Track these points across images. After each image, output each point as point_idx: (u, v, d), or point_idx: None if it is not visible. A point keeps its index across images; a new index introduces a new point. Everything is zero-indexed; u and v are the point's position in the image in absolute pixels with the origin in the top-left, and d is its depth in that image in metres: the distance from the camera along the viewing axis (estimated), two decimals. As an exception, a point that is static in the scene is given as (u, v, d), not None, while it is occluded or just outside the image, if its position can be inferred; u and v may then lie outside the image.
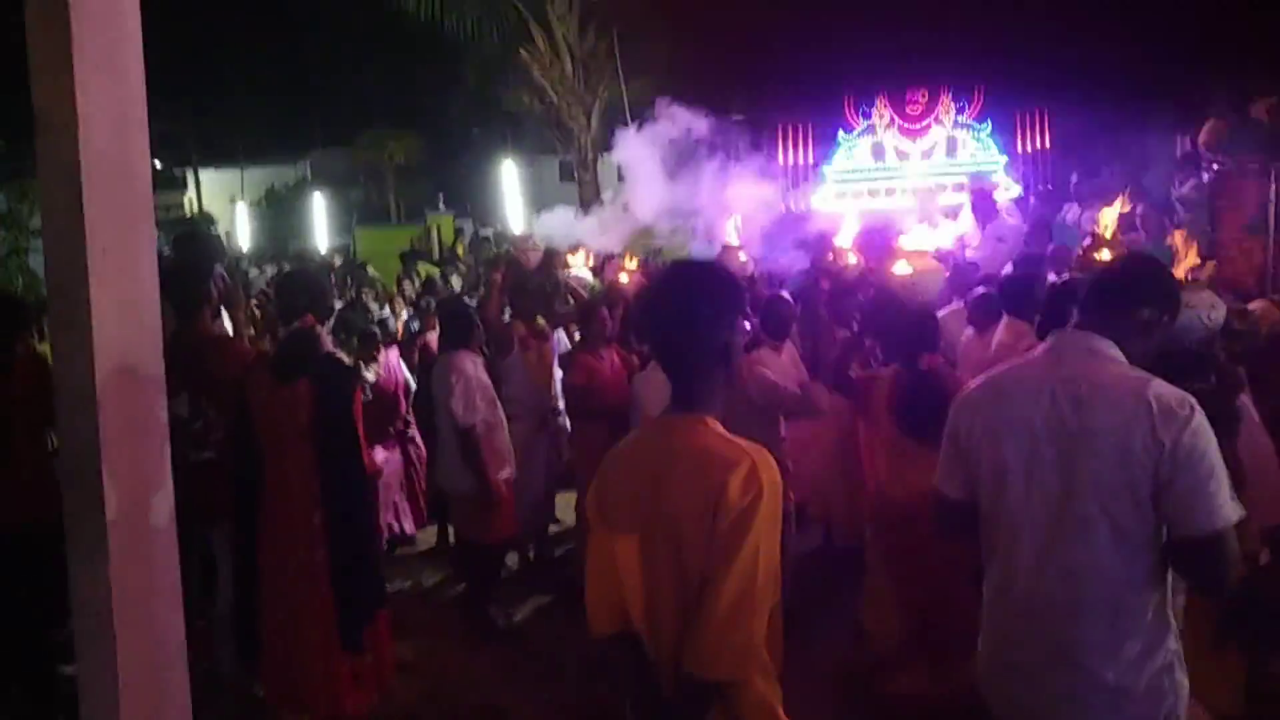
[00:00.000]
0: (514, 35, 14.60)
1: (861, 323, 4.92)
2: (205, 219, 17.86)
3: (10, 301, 5.19)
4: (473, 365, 5.29)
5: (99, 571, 2.27)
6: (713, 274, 2.19)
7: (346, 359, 5.18)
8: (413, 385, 6.84)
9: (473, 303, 6.97)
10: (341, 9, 21.19)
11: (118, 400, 2.34)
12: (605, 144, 14.40)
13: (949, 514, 2.51)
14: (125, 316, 2.39)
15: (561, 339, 6.85)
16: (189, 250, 5.19)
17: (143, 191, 2.47)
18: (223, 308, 5.03)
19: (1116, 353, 2.29)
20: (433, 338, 6.85)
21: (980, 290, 6.03)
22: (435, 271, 12.24)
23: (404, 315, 9.59)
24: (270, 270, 14.17)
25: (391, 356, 6.75)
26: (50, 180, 2.32)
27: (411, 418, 6.76)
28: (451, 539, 6.25)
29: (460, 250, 16.58)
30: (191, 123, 29.55)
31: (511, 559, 6.08)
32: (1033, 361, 2.41)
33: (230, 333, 5.04)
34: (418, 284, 11.46)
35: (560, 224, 9.75)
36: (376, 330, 6.86)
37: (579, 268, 9.22)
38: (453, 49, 15.87)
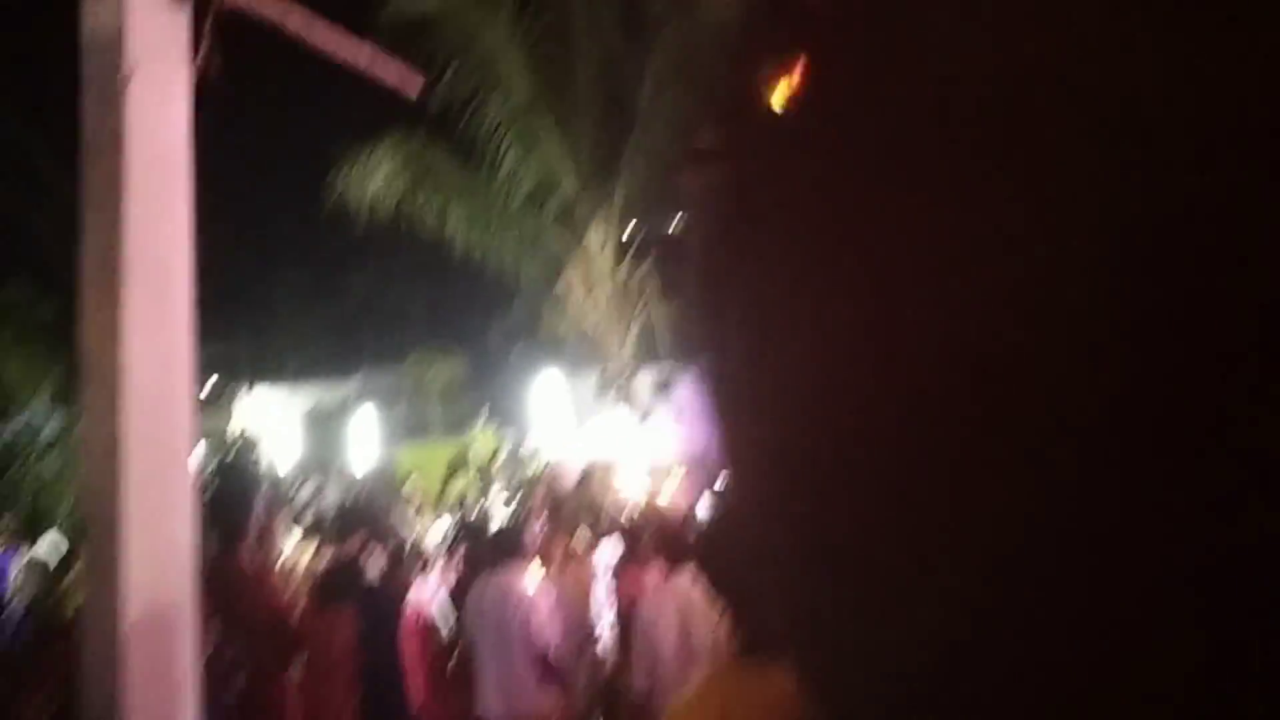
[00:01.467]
0: (553, 265, 15.35)
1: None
2: (250, 443, 18.25)
3: None
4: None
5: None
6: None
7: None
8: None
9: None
10: (389, 242, 22.51)
11: (144, 646, 2.25)
12: (641, 363, 14.70)
13: None
14: (158, 554, 2.34)
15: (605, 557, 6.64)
16: (232, 481, 5.23)
17: (182, 433, 2.47)
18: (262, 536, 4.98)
19: None
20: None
21: None
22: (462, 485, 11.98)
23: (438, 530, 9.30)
24: (314, 485, 14.27)
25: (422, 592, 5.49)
26: (92, 418, 2.34)
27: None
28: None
29: (497, 465, 16.63)
30: (245, 343, 30.78)
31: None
32: None
33: (267, 563, 4.97)
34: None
35: (606, 436, 9.46)
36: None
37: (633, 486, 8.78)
38: (496, 279, 16.79)
